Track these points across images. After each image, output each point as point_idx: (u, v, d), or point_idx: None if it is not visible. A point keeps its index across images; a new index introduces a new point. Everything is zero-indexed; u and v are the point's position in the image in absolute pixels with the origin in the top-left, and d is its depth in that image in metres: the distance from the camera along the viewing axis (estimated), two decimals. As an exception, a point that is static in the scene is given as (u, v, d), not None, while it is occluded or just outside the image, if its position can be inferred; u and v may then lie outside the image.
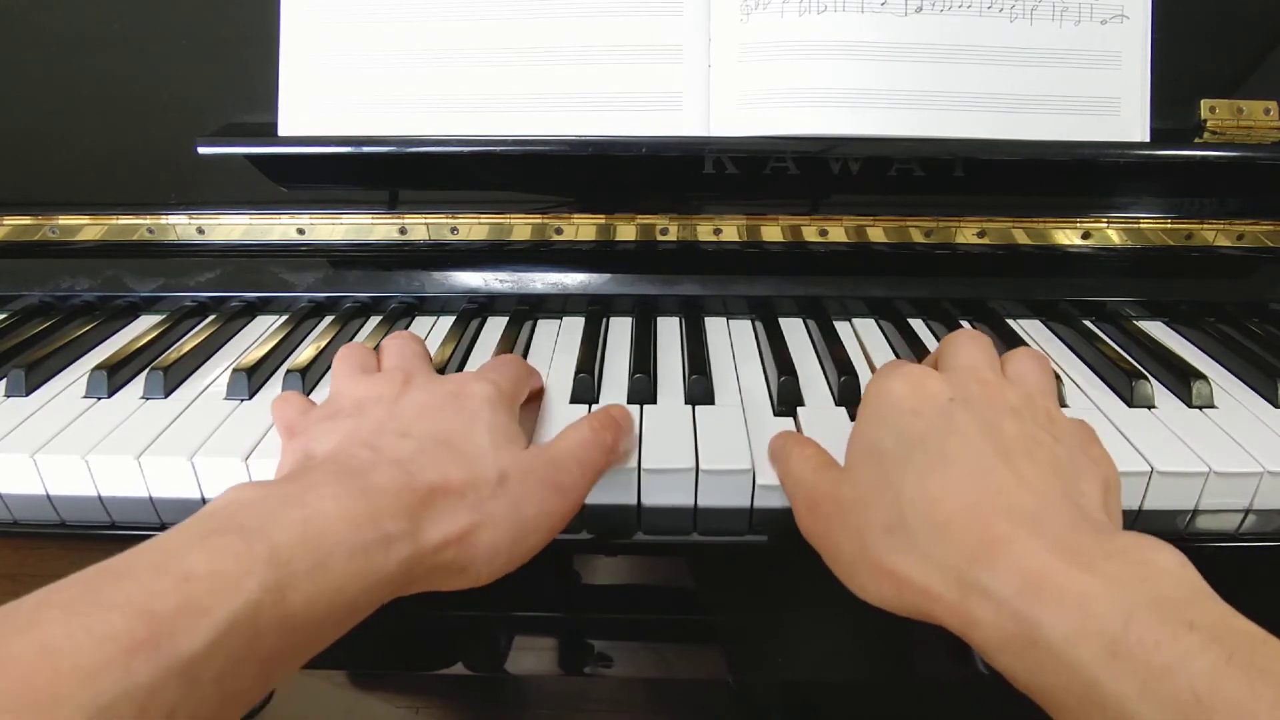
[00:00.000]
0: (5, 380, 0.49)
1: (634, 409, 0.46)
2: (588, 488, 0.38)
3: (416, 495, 0.32)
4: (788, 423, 0.46)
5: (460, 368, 0.53)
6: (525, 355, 0.54)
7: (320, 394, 0.49)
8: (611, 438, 0.40)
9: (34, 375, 0.50)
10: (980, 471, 0.31)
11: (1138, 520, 0.42)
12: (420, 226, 0.58)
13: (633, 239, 0.58)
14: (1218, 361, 0.53)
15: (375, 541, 0.30)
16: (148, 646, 0.23)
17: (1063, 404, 0.48)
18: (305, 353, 0.52)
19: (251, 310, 0.60)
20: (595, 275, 0.59)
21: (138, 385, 0.49)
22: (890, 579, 0.31)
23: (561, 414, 0.46)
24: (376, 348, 0.45)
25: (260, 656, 0.26)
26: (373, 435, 0.36)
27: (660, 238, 0.58)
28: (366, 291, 0.60)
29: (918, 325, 0.58)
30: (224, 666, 0.25)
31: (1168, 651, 0.23)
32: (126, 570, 0.26)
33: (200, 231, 0.59)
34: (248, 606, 0.26)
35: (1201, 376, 0.48)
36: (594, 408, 0.47)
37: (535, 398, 0.47)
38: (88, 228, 0.59)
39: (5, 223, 0.59)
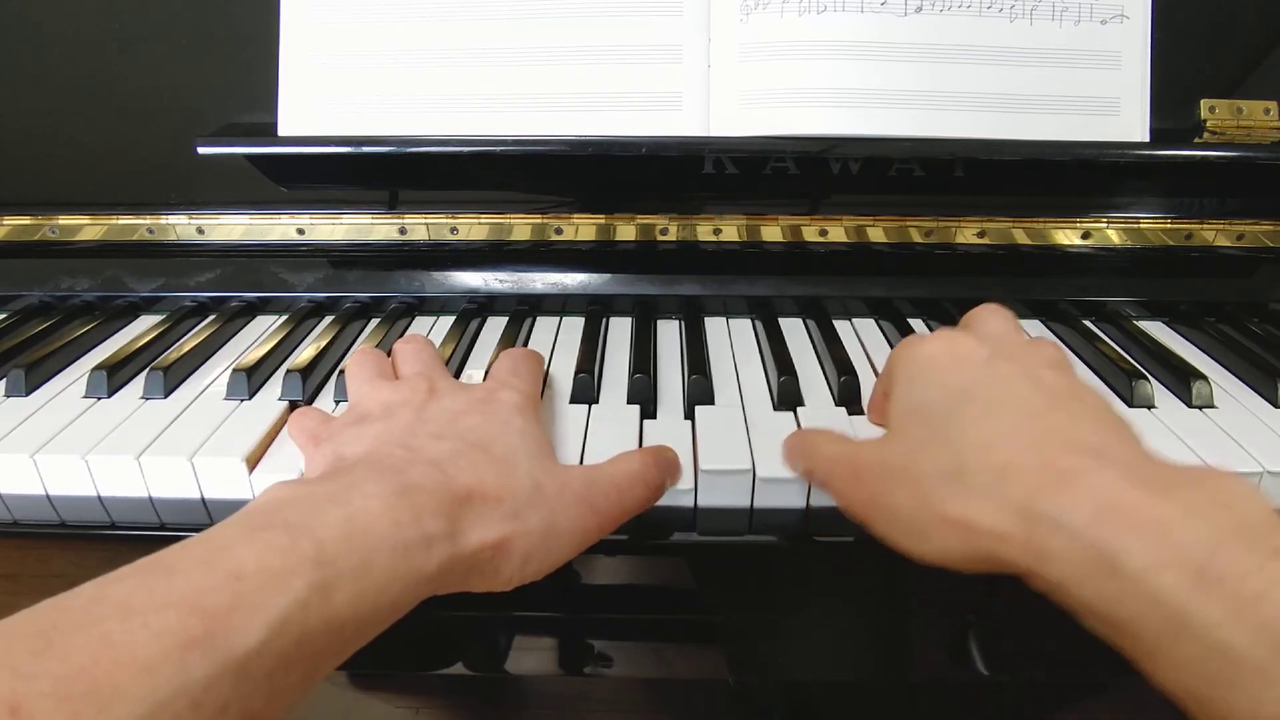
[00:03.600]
0: (5, 380, 0.49)
1: (633, 409, 0.46)
2: (622, 518, 0.37)
3: (454, 497, 0.32)
4: (788, 421, 0.46)
5: (461, 367, 0.53)
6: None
7: (322, 395, 0.50)
8: (660, 478, 0.39)
9: (34, 375, 0.50)
10: (1033, 414, 0.31)
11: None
12: (420, 226, 0.58)
13: (633, 239, 0.58)
14: (1218, 361, 0.53)
15: (417, 541, 0.30)
16: (203, 643, 0.24)
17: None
18: (305, 353, 0.52)
19: (251, 310, 0.60)
20: (595, 275, 0.59)
21: (138, 385, 0.49)
22: (954, 527, 0.30)
23: (562, 414, 0.46)
24: (384, 349, 0.45)
25: (307, 654, 0.27)
26: (406, 436, 0.36)
27: (660, 238, 0.58)
28: (366, 291, 0.60)
29: (918, 325, 0.58)
30: (274, 664, 0.25)
31: (1256, 579, 0.23)
32: (176, 565, 0.26)
33: (200, 231, 0.59)
34: (296, 605, 0.26)
35: (1201, 376, 0.48)
36: (594, 408, 0.47)
37: None
38: (88, 228, 0.59)
39: (5, 223, 0.59)
